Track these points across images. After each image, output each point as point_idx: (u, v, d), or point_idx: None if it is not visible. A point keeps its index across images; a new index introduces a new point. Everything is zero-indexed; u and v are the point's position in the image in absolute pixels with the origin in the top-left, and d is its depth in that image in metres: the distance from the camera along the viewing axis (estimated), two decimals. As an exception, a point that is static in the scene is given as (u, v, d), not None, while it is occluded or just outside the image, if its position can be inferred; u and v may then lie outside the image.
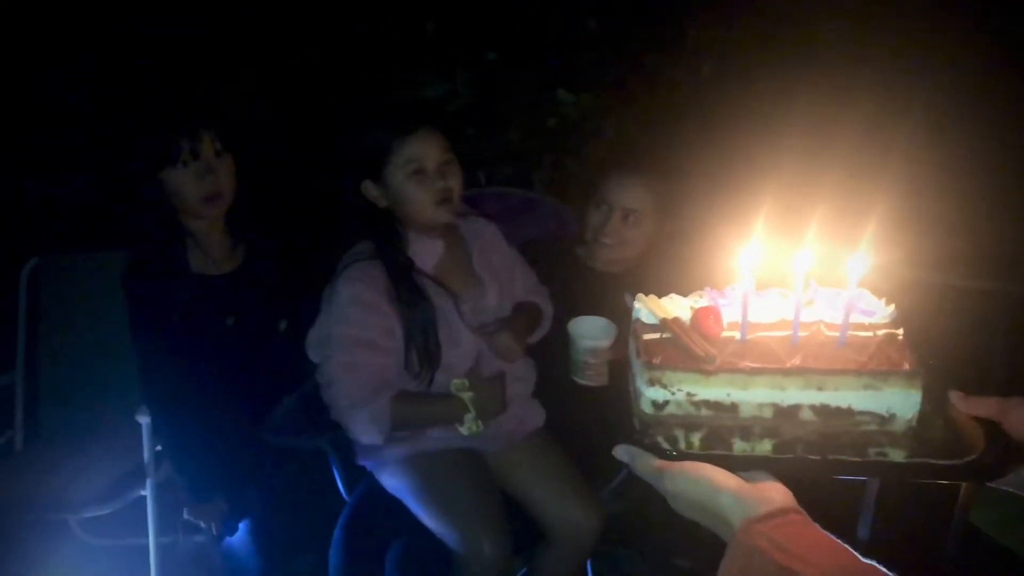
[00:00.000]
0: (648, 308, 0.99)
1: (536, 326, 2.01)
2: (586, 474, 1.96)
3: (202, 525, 1.95)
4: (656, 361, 0.91)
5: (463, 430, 1.81)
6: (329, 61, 2.83)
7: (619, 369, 1.05)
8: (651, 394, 0.91)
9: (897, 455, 0.88)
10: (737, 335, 0.94)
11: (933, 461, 0.86)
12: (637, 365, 0.94)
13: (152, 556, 2.19)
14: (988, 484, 0.86)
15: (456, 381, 1.82)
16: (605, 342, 1.88)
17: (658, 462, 0.88)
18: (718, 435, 0.91)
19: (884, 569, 0.71)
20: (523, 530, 1.85)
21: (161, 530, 2.18)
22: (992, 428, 0.86)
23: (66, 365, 2.45)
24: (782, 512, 0.78)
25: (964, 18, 2.13)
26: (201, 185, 1.86)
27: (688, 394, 0.91)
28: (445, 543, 1.76)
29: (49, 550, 2.34)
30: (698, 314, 0.96)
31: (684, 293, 1.05)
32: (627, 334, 1.84)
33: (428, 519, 1.80)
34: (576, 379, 1.92)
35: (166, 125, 1.85)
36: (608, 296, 2.07)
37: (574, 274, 2.12)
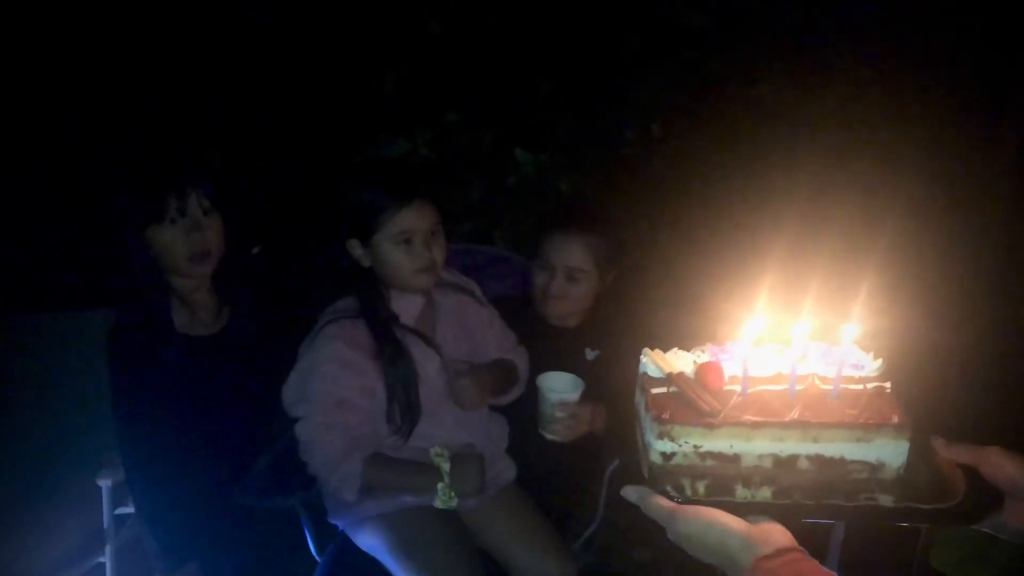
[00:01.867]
0: (655, 363, 1.05)
1: (511, 385, 2.03)
2: (559, 525, 1.99)
3: None
4: (665, 416, 0.97)
5: (436, 503, 1.79)
6: (293, 121, 2.86)
7: (622, 418, 1.11)
8: (660, 446, 0.97)
9: (886, 500, 0.95)
10: (738, 389, 1.01)
11: (919, 506, 0.93)
12: (647, 419, 1.00)
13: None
14: (971, 527, 0.93)
15: (436, 448, 1.82)
16: (574, 396, 1.92)
17: (667, 502, 0.94)
18: (722, 483, 0.97)
19: None
20: None
21: None
22: (971, 474, 0.94)
23: (22, 427, 2.35)
24: (786, 551, 0.85)
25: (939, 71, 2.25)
26: (189, 243, 1.83)
27: (695, 446, 0.97)
28: None
29: None
30: (702, 369, 1.03)
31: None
32: (589, 388, 1.93)
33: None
34: (544, 434, 1.95)
35: (153, 181, 1.83)
36: (568, 350, 2.15)
37: (534, 330, 2.16)
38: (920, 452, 0.98)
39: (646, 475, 0.99)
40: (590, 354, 2.18)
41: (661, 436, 0.97)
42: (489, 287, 2.15)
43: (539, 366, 2.04)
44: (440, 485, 1.78)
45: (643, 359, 1.09)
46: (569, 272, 2.07)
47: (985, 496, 0.92)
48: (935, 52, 2.29)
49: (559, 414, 1.91)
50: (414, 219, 1.79)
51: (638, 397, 1.08)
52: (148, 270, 1.85)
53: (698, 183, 2.68)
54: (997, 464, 0.92)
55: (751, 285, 1.06)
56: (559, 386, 1.94)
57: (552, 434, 1.94)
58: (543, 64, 2.93)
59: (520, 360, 2.07)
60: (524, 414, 2.02)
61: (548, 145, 3.00)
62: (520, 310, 2.18)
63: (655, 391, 1.03)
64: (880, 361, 1.04)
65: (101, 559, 2.12)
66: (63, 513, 2.28)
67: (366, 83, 2.90)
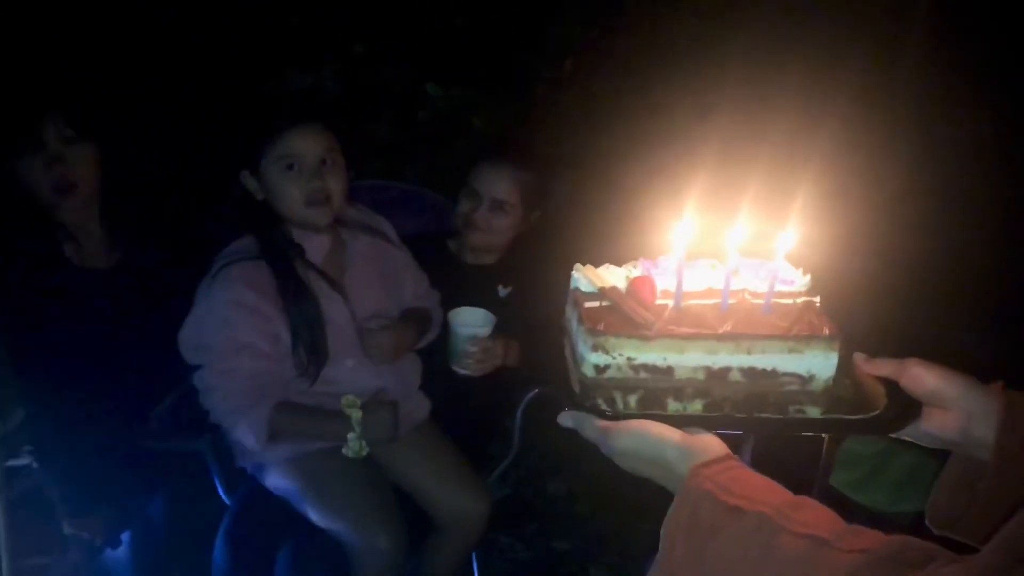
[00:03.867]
0: (587, 277, 1.02)
1: (424, 332, 1.98)
2: (473, 459, 1.98)
3: (85, 537, 1.77)
4: (599, 327, 0.95)
5: (346, 451, 1.74)
6: (196, 54, 2.67)
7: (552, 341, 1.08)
8: (593, 359, 0.95)
9: (814, 412, 0.96)
10: (671, 303, 0.99)
11: (845, 416, 0.95)
12: (579, 331, 0.97)
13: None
14: (891, 436, 0.95)
15: (347, 397, 1.76)
16: (485, 330, 1.91)
17: (603, 423, 0.91)
18: (653, 396, 0.96)
19: (814, 500, 0.80)
20: (413, 521, 1.83)
21: (26, 551, 1.95)
22: (891, 386, 0.95)
23: None
24: (723, 459, 0.86)
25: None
26: (48, 175, 1.69)
27: (628, 358, 0.95)
28: (338, 541, 1.71)
29: None
30: (634, 283, 1.00)
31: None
32: (502, 324, 1.91)
33: (319, 518, 1.73)
34: (456, 368, 1.94)
35: (4, 112, 1.68)
36: (480, 288, 2.13)
37: (446, 268, 2.13)
38: (843, 366, 0.99)
39: (577, 389, 0.96)
40: (502, 291, 2.17)
41: (595, 348, 0.94)
42: (401, 224, 2.08)
43: (451, 304, 2.01)
44: (351, 435, 1.73)
45: (575, 274, 1.06)
46: (495, 203, 2.05)
47: (905, 406, 0.94)
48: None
49: (471, 349, 1.90)
50: (301, 143, 1.69)
51: (569, 312, 1.06)
52: (23, 203, 1.71)
53: (613, 116, 2.66)
54: (916, 375, 0.94)
55: (680, 202, 1.03)
56: (470, 321, 1.93)
57: (464, 369, 1.93)
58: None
59: (433, 305, 2.02)
60: (436, 351, 1.99)
61: (460, 80, 2.92)
62: (433, 248, 2.14)
63: (588, 305, 1.00)
64: (808, 277, 1.04)
65: None
66: None
67: (270, 14, 2.72)
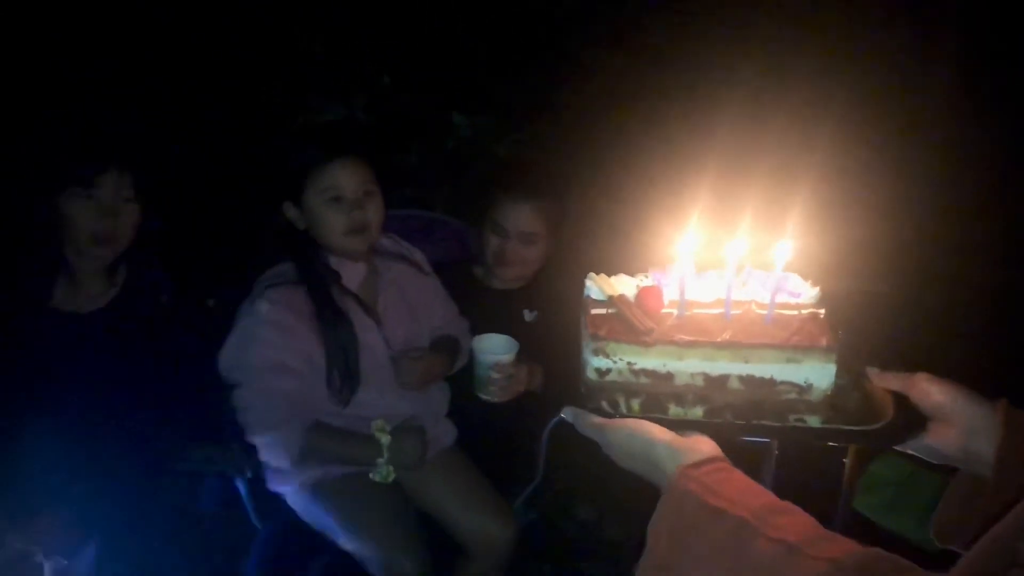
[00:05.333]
0: (598, 286, 1.06)
1: (454, 360, 2.01)
2: (498, 487, 2.00)
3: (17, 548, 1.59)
4: (601, 333, 0.98)
5: (374, 476, 1.77)
6: (224, 88, 2.78)
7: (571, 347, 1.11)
8: (595, 363, 0.98)
9: (814, 421, 0.98)
10: (676, 312, 1.02)
11: (845, 427, 0.96)
12: (584, 336, 1.01)
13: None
14: (895, 448, 0.96)
15: (377, 421, 1.79)
16: (507, 357, 1.92)
17: (598, 418, 0.95)
18: (655, 401, 0.99)
19: (798, 507, 0.81)
20: (440, 546, 1.85)
21: None
22: (901, 400, 0.96)
23: None
24: (711, 460, 0.87)
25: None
26: (98, 224, 1.72)
27: (628, 363, 0.98)
28: (365, 565, 1.74)
29: None
30: (642, 292, 1.04)
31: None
32: (527, 348, 1.94)
33: (346, 542, 1.76)
34: (480, 395, 1.95)
35: (85, 148, 1.73)
36: (506, 313, 2.16)
37: (472, 293, 2.16)
38: (853, 379, 1.00)
39: (583, 391, 1.00)
40: (528, 316, 2.19)
41: (596, 352, 0.98)
42: (426, 251, 2.13)
43: (478, 329, 2.03)
44: (379, 460, 1.76)
45: (588, 282, 1.10)
46: (524, 236, 2.07)
47: (910, 420, 0.94)
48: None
49: (494, 375, 1.90)
50: (343, 176, 1.76)
51: (581, 319, 1.09)
52: (44, 235, 1.74)
53: (633, 143, 2.68)
54: (924, 389, 0.95)
55: (691, 215, 1.07)
56: (493, 347, 1.94)
57: (488, 395, 1.94)
58: (479, 27, 2.90)
59: (462, 333, 2.06)
60: (461, 377, 2.02)
61: (485, 108, 2.97)
62: (459, 274, 2.18)
63: (595, 311, 1.04)
64: (817, 290, 1.06)
65: None
66: None
67: (297, 47, 2.82)
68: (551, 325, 2.12)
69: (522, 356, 1.94)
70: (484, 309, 2.12)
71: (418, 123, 2.95)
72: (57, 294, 1.79)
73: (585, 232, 2.45)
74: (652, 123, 2.65)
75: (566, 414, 0.99)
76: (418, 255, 2.05)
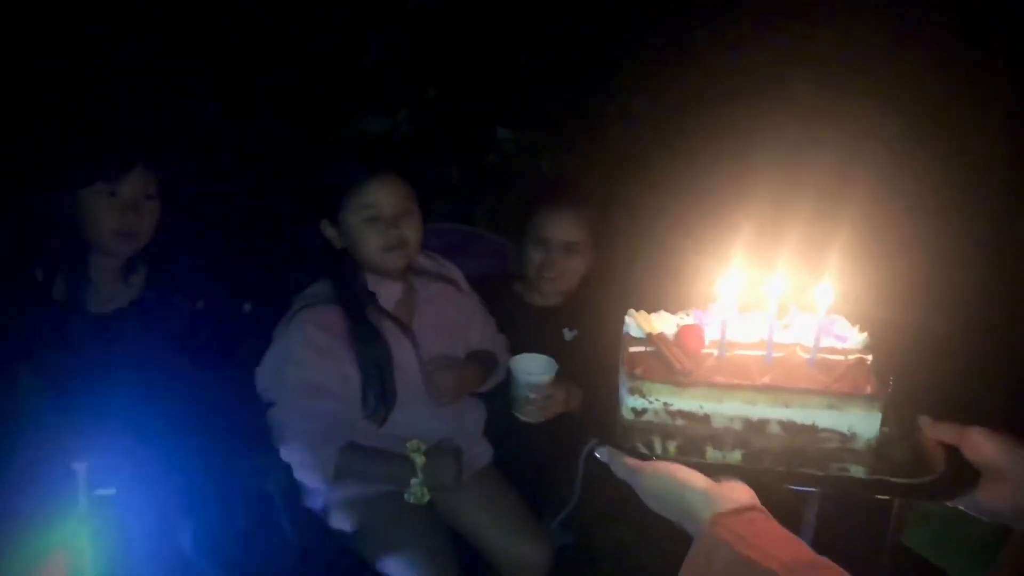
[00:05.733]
0: (637, 323, 1.04)
1: (488, 376, 2.00)
2: (534, 508, 1.99)
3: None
4: (637, 372, 0.97)
5: (408, 497, 1.76)
6: (270, 99, 2.80)
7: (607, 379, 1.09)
8: (631, 402, 0.97)
9: (858, 471, 0.94)
10: (716, 351, 1.00)
11: (891, 479, 0.93)
12: (621, 374, 0.99)
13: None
14: (946, 504, 0.92)
15: (412, 442, 1.79)
16: (546, 377, 1.90)
17: (632, 461, 0.93)
18: (692, 443, 0.97)
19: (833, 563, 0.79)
20: (473, 568, 1.85)
21: None
22: (953, 453, 0.93)
23: None
24: (746, 509, 0.85)
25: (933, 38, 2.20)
26: (120, 221, 1.73)
27: (665, 404, 0.96)
28: None
29: None
30: (682, 331, 1.02)
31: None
32: (566, 368, 1.92)
33: (379, 562, 1.76)
34: (517, 415, 1.94)
35: (113, 145, 1.73)
36: (545, 331, 2.14)
37: (511, 310, 2.14)
38: (904, 428, 0.97)
39: (619, 431, 0.99)
40: (568, 334, 2.17)
41: (632, 392, 0.96)
42: (465, 266, 2.12)
43: (517, 347, 2.03)
44: (414, 481, 1.75)
45: (627, 319, 1.08)
46: (566, 246, 2.05)
47: (961, 474, 0.91)
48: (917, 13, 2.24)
49: (532, 396, 1.89)
50: (380, 194, 1.76)
51: (620, 356, 1.08)
52: (64, 230, 1.75)
53: (679, 160, 2.64)
54: (977, 443, 0.91)
55: (735, 252, 1.04)
56: (532, 368, 1.92)
57: (525, 416, 1.92)
58: (524, 39, 2.87)
59: (500, 349, 2.05)
60: (498, 397, 2.01)
61: (529, 123, 2.94)
62: (499, 290, 2.16)
63: (633, 349, 1.02)
64: (865, 335, 1.03)
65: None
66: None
67: (344, 60, 2.84)
68: (591, 344, 2.10)
69: (560, 376, 1.92)
70: (523, 326, 2.11)
71: (461, 136, 2.95)
72: (77, 294, 1.79)
73: (627, 249, 2.43)
74: (711, 146, 2.60)
75: (601, 454, 0.98)
76: (456, 273, 2.04)
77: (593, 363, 1.96)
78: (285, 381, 1.75)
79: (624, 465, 0.94)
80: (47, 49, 2.37)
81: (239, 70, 2.71)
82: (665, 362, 0.99)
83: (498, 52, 2.88)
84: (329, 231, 1.82)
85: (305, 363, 1.74)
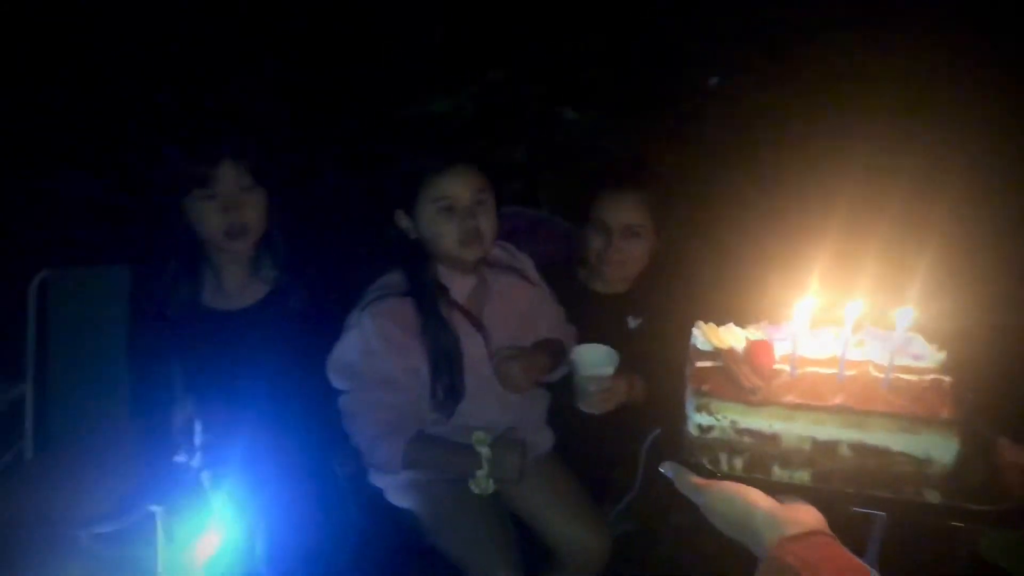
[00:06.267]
0: (705, 336, 1.03)
1: (557, 364, 1.98)
2: (594, 496, 1.99)
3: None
4: (704, 388, 0.96)
5: (473, 487, 1.77)
6: (340, 79, 2.82)
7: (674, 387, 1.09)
8: (697, 419, 0.96)
9: (932, 496, 0.92)
10: (787, 368, 0.98)
11: (968, 505, 0.90)
12: (688, 390, 0.99)
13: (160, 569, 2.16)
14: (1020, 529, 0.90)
15: (478, 433, 1.79)
16: (607, 370, 1.88)
17: (697, 479, 0.93)
18: (759, 461, 0.96)
19: None
20: (531, 552, 1.86)
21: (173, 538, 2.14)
22: None
23: (74, 378, 2.40)
24: (813, 533, 0.84)
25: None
26: (224, 219, 1.76)
27: (732, 422, 0.96)
28: (460, 570, 1.77)
29: (57, 560, 2.30)
30: (751, 347, 1.00)
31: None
32: (629, 356, 1.90)
33: (442, 546, 1.79)
34: (579, 406, 1.92)
35: (189, 155, 1.73)
36: (609, 319, 2.10)
37: (575, 297, 2.11)
38: (980, 450, 0.94)
39: (685, 445, 0.98)
40: (632, 322, 2.13)
41: (699, 409, 0.96)
42: (532, 252, 2.09)
43: (580, 333, 2.01)
44: (479, 472, 1.77)
45: (695, 331, 1.07)
46: (627, 230, 2.00)
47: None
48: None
49: (593, 388, 1.87)
50: (455, 185, 1.74)
51: (687, 368, 1.07)
52: (182, 238, 1.80)
53: (753, 145, 2.56)
54: None
55: (808, 260, 1.02)
56: (594, 359, 1.90)
57: (587, 407, 1.91)
58: (593, 17, 2.82)
59: (568, 338, 2.03)
60: (563, 384, 1.99)
61: (597, 103, 2.89)
62: (564, 276, 2.13)
63: (700, 364, 1.02)
64: (943, 354, 0.99)
65: (152, 508, 2.14)
66: (115, 463, 2.30)
67: (412, 41, 2.84)
68: (655, 333, 2.07)
69: (623, 365, 1.90)
70: (587, 313, 2.08)
71: (527, 116, 2.93)
72: (206, 294, 1.87)
73: (696, 234, 2.38)
74: (773, 129, 2.52)
75: (665, 469, 0.98)
76: (527, 264, 2.03)
77: (657, 352, 1.96)
78: (356, 372, 1.78)
79: (689, 482, 0.94)
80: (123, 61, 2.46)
81: (306, 52, 2.75)
82: (733, 379, 0.98)
83: (565, 30, 2.85)
84: (404, 221, 1.81)
85: (377, 355, 1.76)
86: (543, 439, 2.01)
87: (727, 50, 2.78)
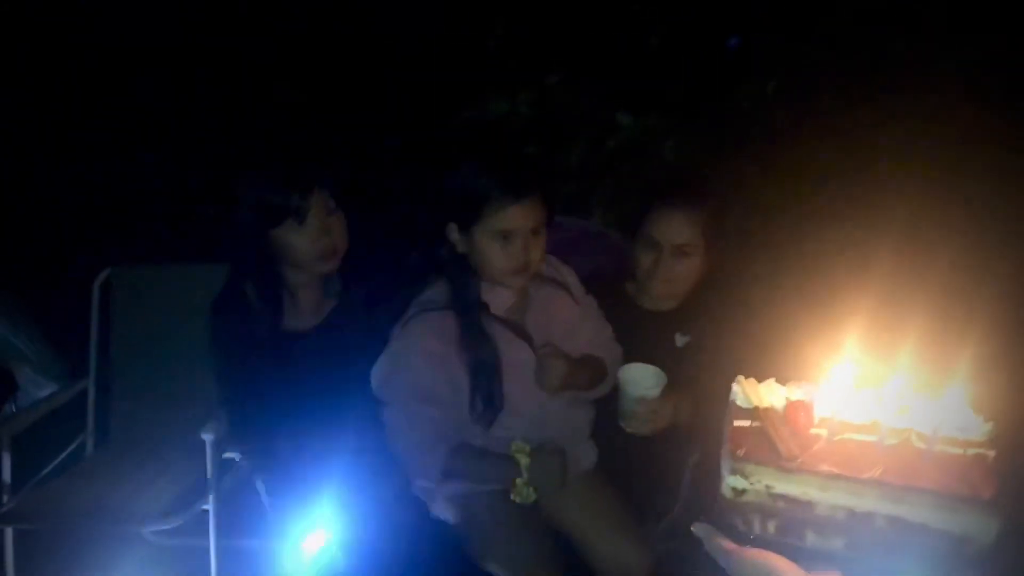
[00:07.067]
0: (744, 393, 1.03)
1: (596, 381, 1.98)
2: (638, 512, 1.99)
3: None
4: (740, 452, 0.96)
5: (514, 496, 1.79)
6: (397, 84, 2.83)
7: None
8: (732, 481, 0.96)
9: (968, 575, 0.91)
10: (825, 432, 0.97)
11: None
12: (724, 450, 0.99)
13: (213, 561, 2.28)
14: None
15: (516, 442, 1.82)
16: (654, 391, 1.87)
17: (727, 545, 0.93)
18: (793, 526, 0.95)
19: None
20: (573, 568, 1.88)
21: (227, 534, 2.27)
22: None
23: (136, 375, 2.54)
24: None
25: None
26: (316, 244, 1.84)
27: (767, 486, 0.95)
28: None
29: (117, 550, 2.40)
30: (790, 407, 0.99)
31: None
32: (676, 375, 1.88)
33: (483, 558, 1.82)
34: (624, 426, 1.93)
35: (284, 186, 1.80)
36: (657, 336, 2.08)
37: (623, 313, 2.09)
38: (1021, 531, 0.92)
39: (719, 503, 0.98)
40: (680, 340, 2.10)
41: (734, 472, 0.95)
42: (580, 263, 2.08)
43: (626, 350, 2.00)
44: (519, 480, 1.79)
45: (734, 387, 1.06)
46: (676, 249, 1.98)
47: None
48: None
49: (638, 409, 1.87)
50: (519, 217, 1.73)
51: (724, 426, 1.06)
52: (265, 265, 1.87)
53: (812, 154, 2.49)
54: None
55: (861, 309, 1.00)
56: (640, 379, 1.89)
57: (632, 428, 1.91)
58: (650, 19, 2.77)
59: (612, 358, 2.02)
60: (607, 403, 1.99)
61: (653, 106, 2.84)
62: (611, 293, 2.12)
63: (738, 423, 1.01)
64: (990, 425, 0.97)
65: (205, 507, 2.25)
66: (172, 459, 2.42)
67: (469, 43, 2.83)
68: (704, 352, 2.05)
69: (669, 384, 1.89)
70: (634, 330, 2.07)
71: (581, 120, 2.91)
72: (286, 317, 1.94)
73: (749, 251, 2.34)
74: (834, 134, 2.44)
75: (697, 530, 0.98)
76: (571, 278, 2.03)
77: (705, 371, 1.94)
78: (398, 385, 1.82)
79: (719, 547, 0.94)
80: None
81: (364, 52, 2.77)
82: (770, 442, 0.97)
83: (622, 32, 2.81)
84: (455, 236, 1.82)
85: (419, 369, 1.80)
86: (586, 455, 2.02)
87: (792, 52, 2.71)
